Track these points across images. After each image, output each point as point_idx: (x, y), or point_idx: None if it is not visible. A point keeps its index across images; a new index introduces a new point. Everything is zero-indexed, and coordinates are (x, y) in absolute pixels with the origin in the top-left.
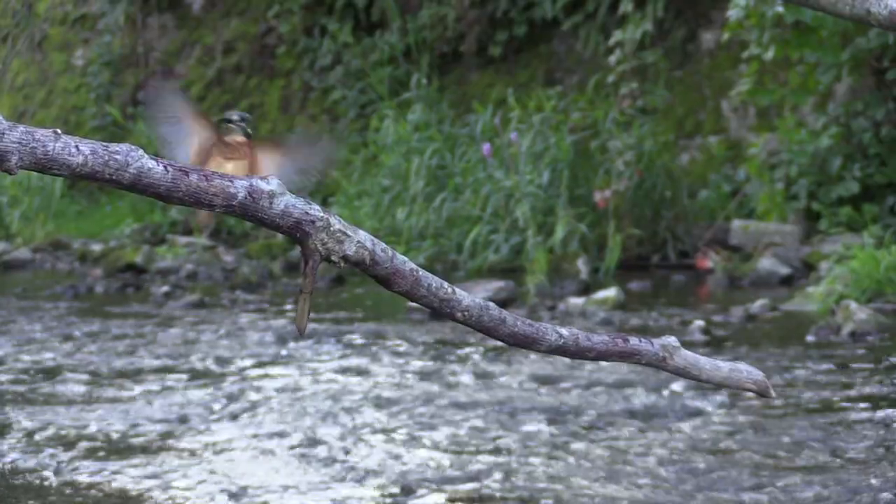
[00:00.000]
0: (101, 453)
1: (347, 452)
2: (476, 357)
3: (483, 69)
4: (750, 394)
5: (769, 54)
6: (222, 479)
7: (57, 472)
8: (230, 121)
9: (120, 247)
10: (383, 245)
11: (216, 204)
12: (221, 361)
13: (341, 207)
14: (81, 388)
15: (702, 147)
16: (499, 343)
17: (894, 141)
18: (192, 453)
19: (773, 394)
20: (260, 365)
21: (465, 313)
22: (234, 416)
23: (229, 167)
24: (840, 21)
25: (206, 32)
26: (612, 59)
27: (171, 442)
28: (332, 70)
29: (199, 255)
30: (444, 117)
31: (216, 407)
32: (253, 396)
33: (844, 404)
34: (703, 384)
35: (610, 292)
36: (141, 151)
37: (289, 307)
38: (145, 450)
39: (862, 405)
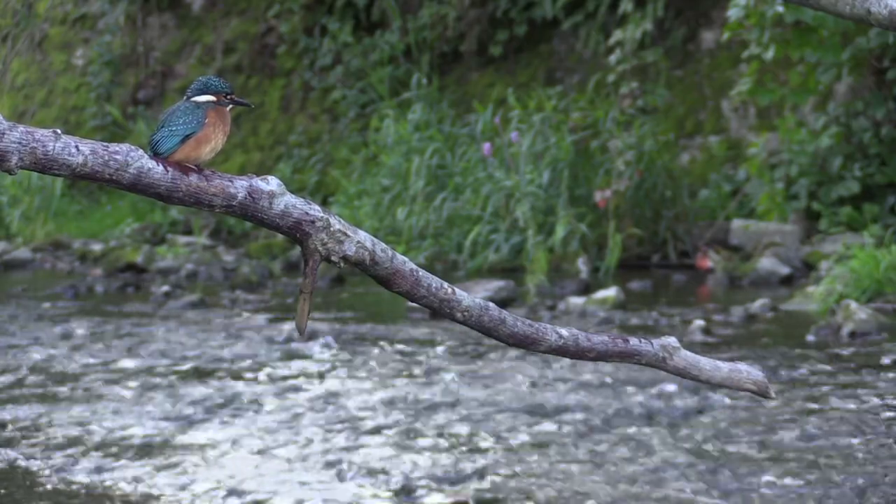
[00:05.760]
0: (101, 453)
1: (348, 452)
2: (476, 357)
3: (483, 69)
4: (750, 394)
5: (769, 54)
6: (222, 478)
7: (57, 472)
8: (229, 94)
9: (120, 246)
10: (383, 245)
11: (216, 204)
12: (221, 361)
13: (341, 207)
14: (81, 388)
15: (702, 147)
16: (499, 343)
17: (894, 141)
18: (192, 453)
19: (773, 394)
20: (260, 365)
21: (465, 313)
22: (233, 416)
23: (220, 137)
24: (840, 21)
25: (207, 32)
26: (613, 58)
27: (171, 441)
28: (333, 70)
29: (200, 254)
30: (445, 117)
31: (216, 406)
32: (253, 396)
33: (844, 404)
34: (703, 384)
35: (610, 292)
36: (141, 151)
37: (289, 306)
38: (145, 449)
39: (862, 405)
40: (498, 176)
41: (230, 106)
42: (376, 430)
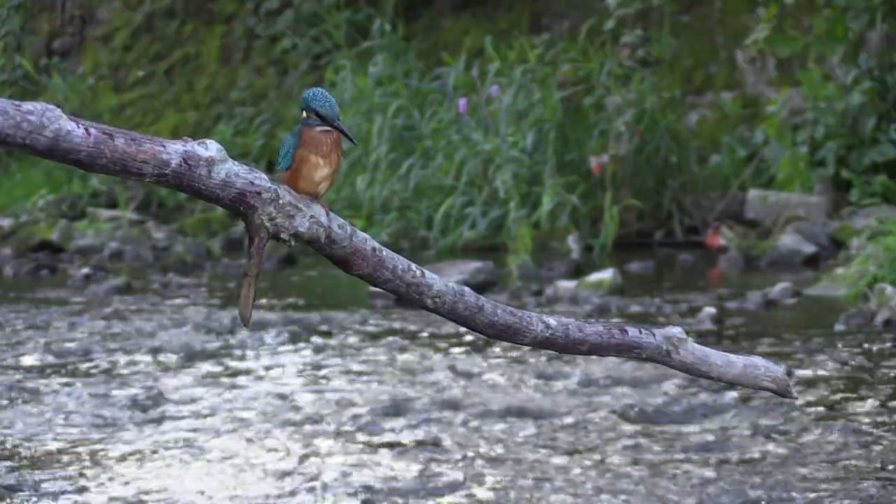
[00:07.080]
0: (12, 462)
1: (300, 459)
2: (451, 351)
3: (457, 14)
4: (768, 393)
5: None
6: (152, 492)
7: None
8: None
9: (33, 222)
10: (341, 220)
11: (146, 172)
12: (152, 355)
13: None
14: None
15: (713, 104)
16: (479, 335)
17: None
18: (120, 461)
19: (795, 393)
20: (196, 359)
21: (437, 300)
22: (165, 420)
23: (325, 171)
24: None
25: None
26: (611, 1)
27: (92, 449)
28: (281, 14)
29: (126, 231)
30: (412, 70)
31: (144, 408)
32: (188, 396)
33: (876, 404)
34: (714, 382)
35: (605, 274)
36: (59, 111)
37: (231, 292)
38: (63, 458)
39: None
40: (474, 139)
41: (324, 129)
42: (332, 436)
